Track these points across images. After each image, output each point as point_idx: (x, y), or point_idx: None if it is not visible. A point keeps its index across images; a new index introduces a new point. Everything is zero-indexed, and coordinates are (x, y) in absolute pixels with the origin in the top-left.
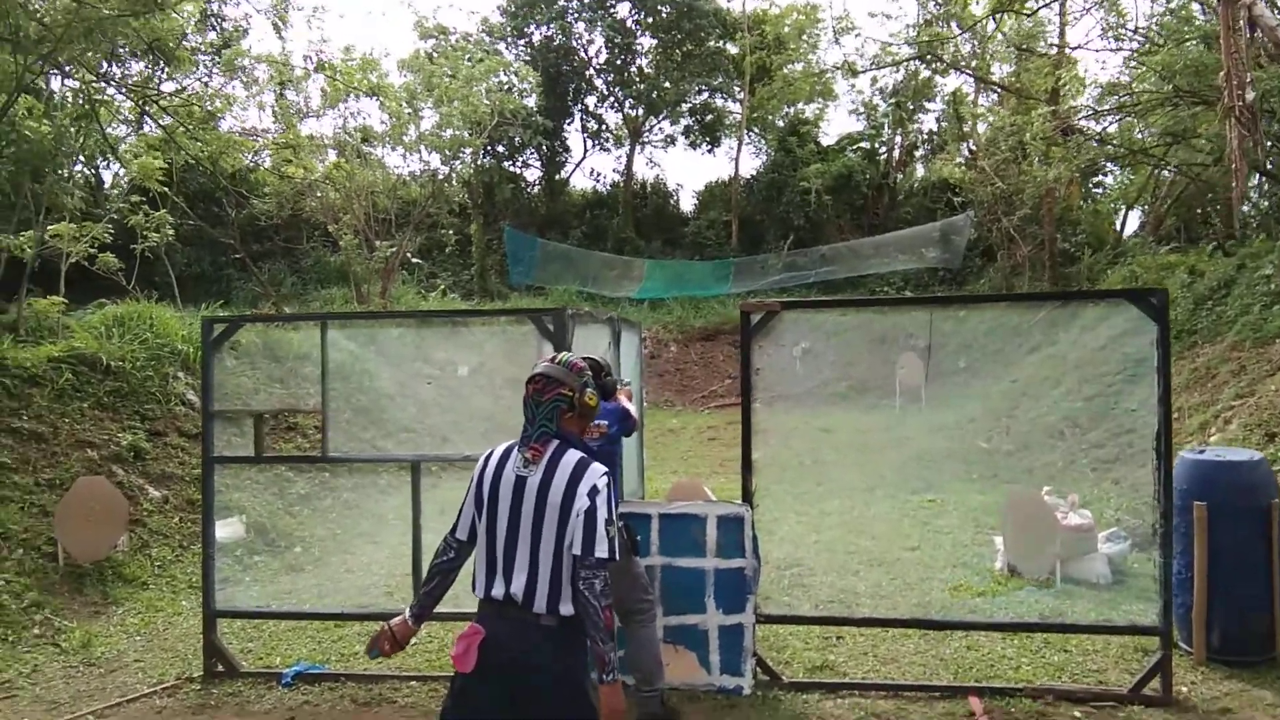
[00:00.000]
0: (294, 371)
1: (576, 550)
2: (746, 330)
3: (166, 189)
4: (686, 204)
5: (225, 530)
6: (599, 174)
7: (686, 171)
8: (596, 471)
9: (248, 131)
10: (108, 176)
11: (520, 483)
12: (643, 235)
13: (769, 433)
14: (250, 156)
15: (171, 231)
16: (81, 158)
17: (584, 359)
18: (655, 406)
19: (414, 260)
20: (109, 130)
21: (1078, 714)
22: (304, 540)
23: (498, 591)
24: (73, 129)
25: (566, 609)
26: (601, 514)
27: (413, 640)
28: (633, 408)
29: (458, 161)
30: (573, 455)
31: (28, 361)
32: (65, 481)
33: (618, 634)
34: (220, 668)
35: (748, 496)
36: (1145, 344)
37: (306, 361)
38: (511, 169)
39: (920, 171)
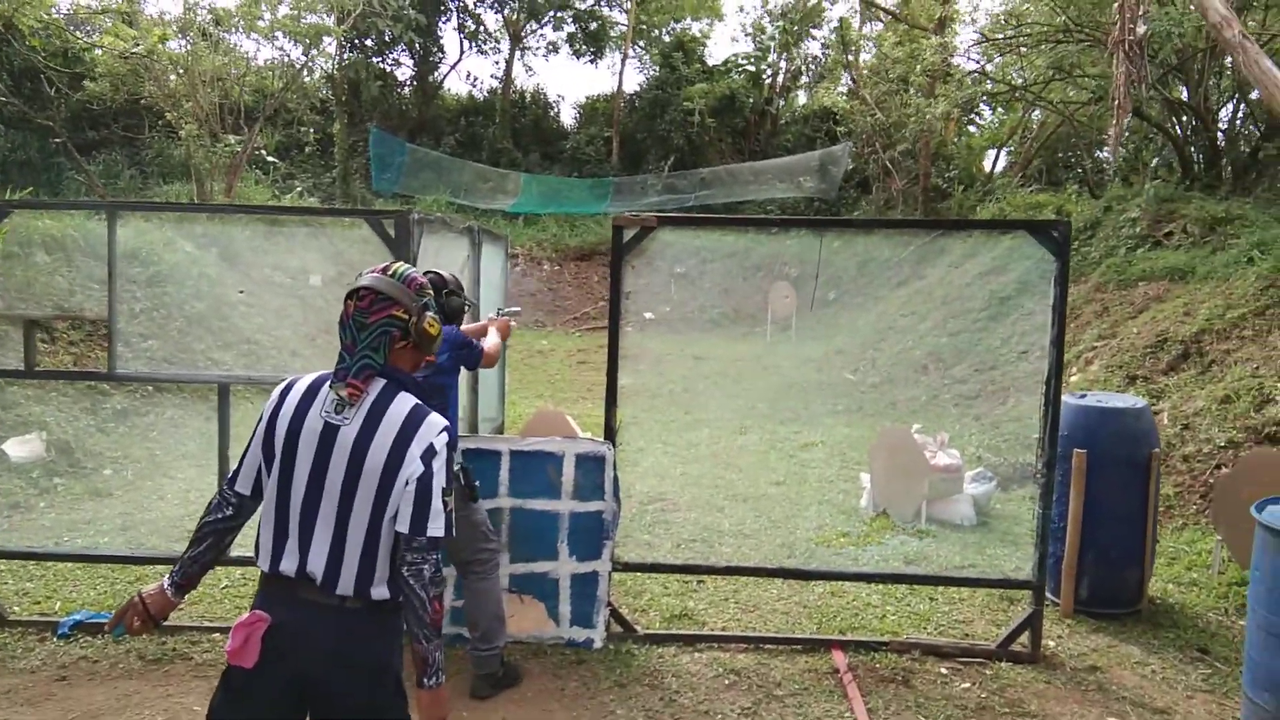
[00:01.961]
0: (123, 273)
1: (403, 527)
2: (619, 247)
3: None
4: (567, 117)
5: (22, 449)
6: (476, 79)
7: (568, 83)
8: (434, 427)
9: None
10: None
11: (330, 432)
12: (520, 147)
13: (639, 358)
14: (77, 29)
15: None
16: None
17: (426, 274)
18: (524, 328)
19: (269, 159)
20: None
21: (944, 670)
22: (116, 461)
23: (288, 566)
24: None
25: (380, 592)
26: (438, 482)
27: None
28: (490, 339)
29: (316, 52)
30: (404, 402)
31: None
32: None
33: (455, 586)
34: None
35: (611, 434)
36: (1026, 279)
37: (133, 261)
38: (380, 65)
39: (803, 99)
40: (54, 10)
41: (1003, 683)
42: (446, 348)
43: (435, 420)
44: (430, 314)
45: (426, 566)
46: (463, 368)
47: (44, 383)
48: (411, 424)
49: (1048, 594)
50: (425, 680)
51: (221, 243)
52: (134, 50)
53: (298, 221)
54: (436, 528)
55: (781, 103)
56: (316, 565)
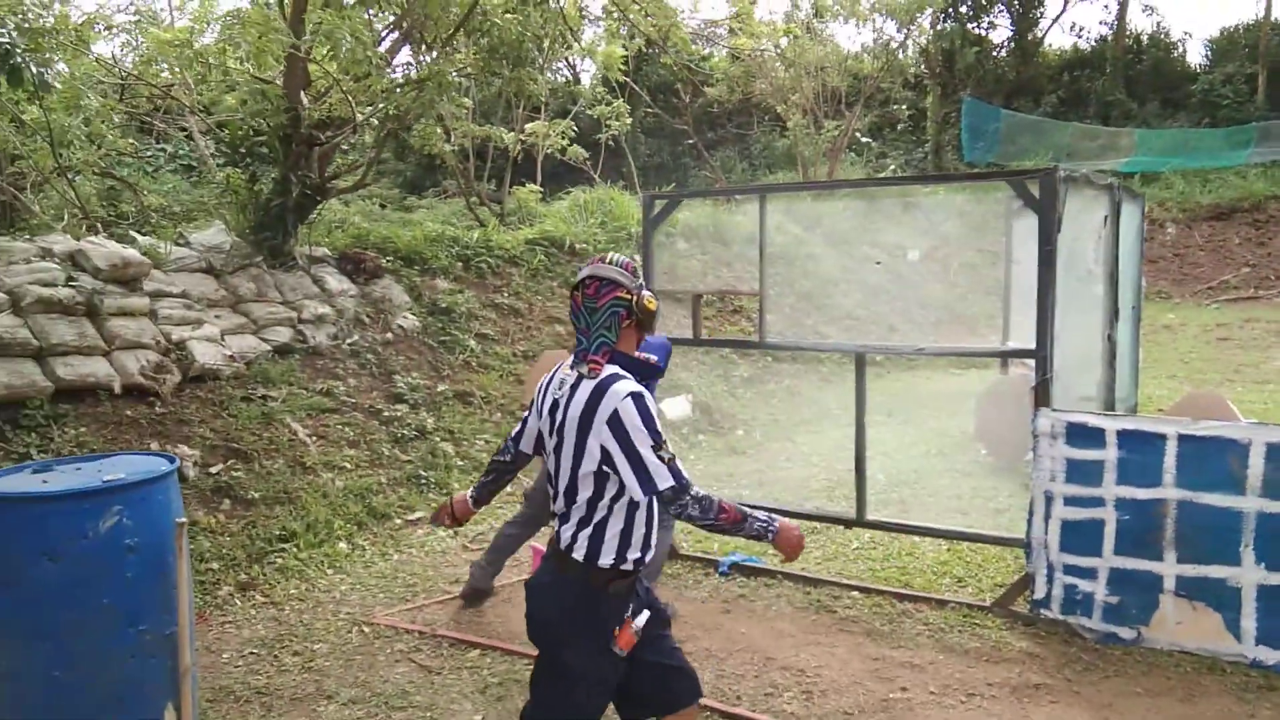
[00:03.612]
0: (741, 255)
1: (639, 495)
2: None
3: (627, 78)
4: (1194, 56)
5: (675, 408)
6: (1081, 29)
7: (1195, 17)
8: (618, 394)
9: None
10: (585, 78)
11: (555, 407)
12: (1135, 97)
13: None
14: (701, 41)
15: (629, 121)
16: (544, 45)
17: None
18: (1147, 299)
19: (863, 139)
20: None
21: None
22: (746, 423)
23: (554, 507)
24: (538, 15)
25: (605, 559)
26: (641, 442)
27: (851, 543)
28: None
29: (915, 27)
30: (599, 374)
31: (509, 243)
32: (536, 353)
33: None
34: None
35: None
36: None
37: (751, 244)
38: (976, 30)
39: None
40: (684, 25)
41: None
42: (664, 355)
43: (621, 385)
44: (648, 293)
45: (689, 509)
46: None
47: (688, 350)
48: (599, 392)
49: None
50: (767, 537)
51: (824, 224)
52: (760, 48)
53: (896, 195)
54: (664, 479)
55: None
56: (563, 527)
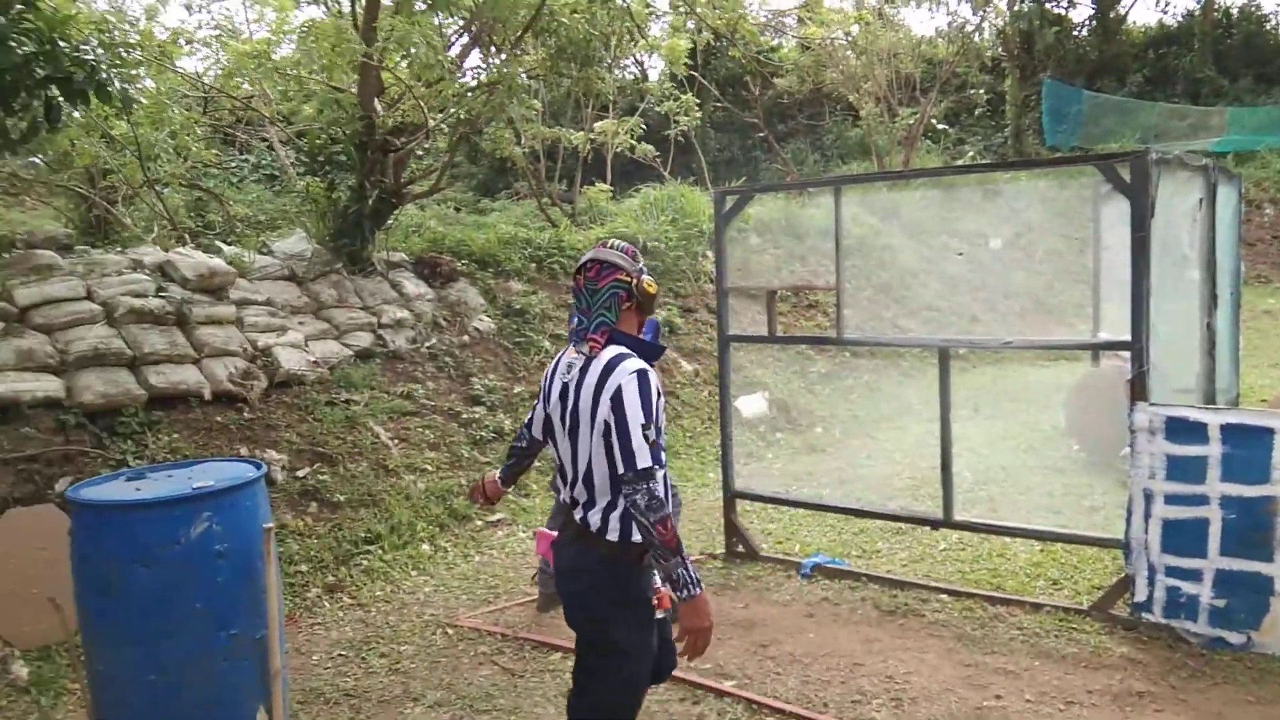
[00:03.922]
0: (815, 249)
1: (619, 469)
2: None
3: (694, 73)
4: None
5: (751, 406)
6: (1167, 5)
7: None
8: (626, 369)
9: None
10: (653, 74)
11: (565, 390)
12: (1225, 73)
13: None
14: (770, 32)
15: (698, 116)
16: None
17: None
18: (1246, 284)
19: (939, 126)
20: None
21: None
22: (824, 420)
23: (561, 495)
24: (604, 13)
25: (594, 519)
26: (633, 419)
27: (938, 544)
28: None
29: (990, 9)
30: (607, 353)
31: (580, 243)
32: None
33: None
34: (740, 548)
35: None
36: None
37: (827, 237)
38: (1055, 10)
39: None
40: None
41: None
42: (650, 330)
43: (627, 363)
44: (647, 276)
45: (639, 496)
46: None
47: (762, 346)
48: (608, 369)
49: None
50: (679, 595)
51: (901, 214)
52: (831, 37)
53: (975, 182)
54: (642, 459)
55: None
56: (569, 492)
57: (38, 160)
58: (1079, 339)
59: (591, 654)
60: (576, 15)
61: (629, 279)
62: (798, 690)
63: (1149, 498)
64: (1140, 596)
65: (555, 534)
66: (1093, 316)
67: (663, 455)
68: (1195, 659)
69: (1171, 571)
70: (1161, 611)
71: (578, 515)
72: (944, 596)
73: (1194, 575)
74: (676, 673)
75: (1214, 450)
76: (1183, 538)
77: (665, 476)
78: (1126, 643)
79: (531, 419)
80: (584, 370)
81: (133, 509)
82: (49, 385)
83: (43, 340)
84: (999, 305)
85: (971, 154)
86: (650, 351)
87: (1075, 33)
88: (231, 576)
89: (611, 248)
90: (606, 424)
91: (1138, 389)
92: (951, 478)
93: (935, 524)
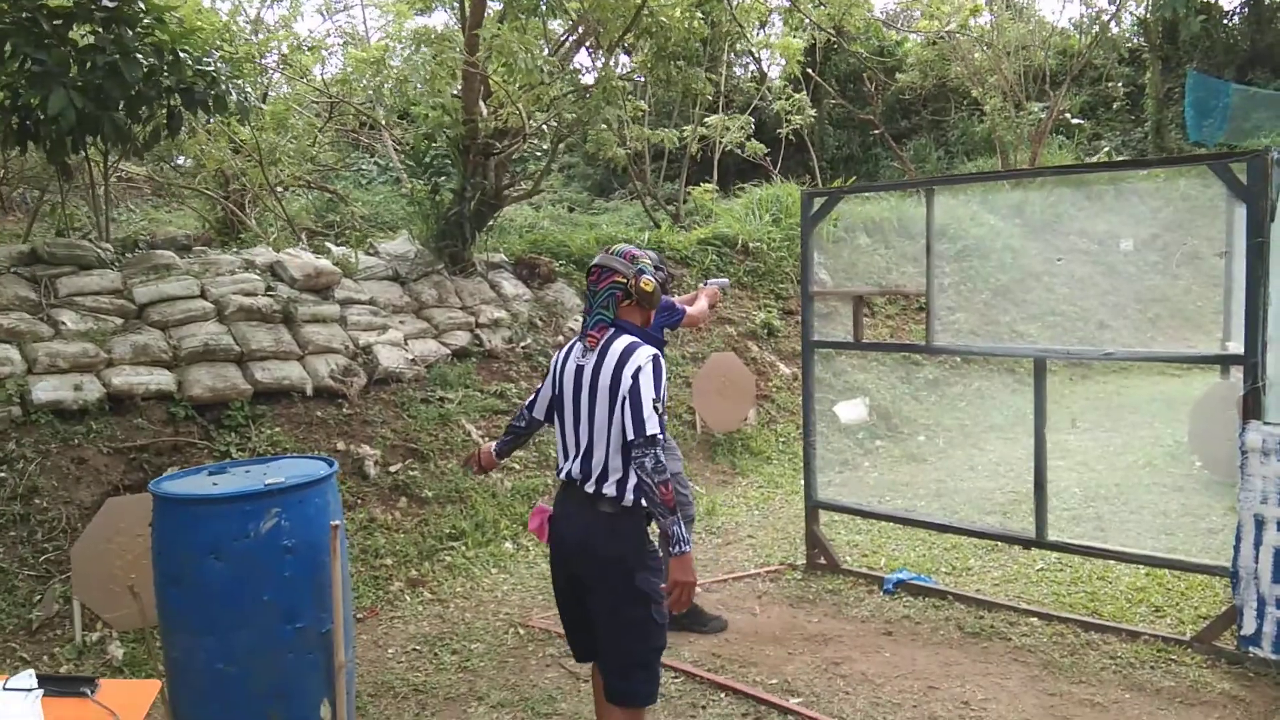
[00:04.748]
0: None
1: (630, 435)
2: None
3: (809, 70)
4: None
5: (851, 411)
6: None
7: None
8: (644, 354)
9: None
10: (774, 71)
11: (579, 372)
12: None
13: None
14: (896, 25)
15: (811, 114)
16: (712, 43)
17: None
18: None
19: (1074, 121)
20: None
21: None
22: (928, 428)
23: (566, 471)
24: (698, 13)
25: (610, 489)
26: (646, 393)
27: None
28: (698, 305)
29: None
30: (623, 340)
31: (680, 244)
32: (705, 354)
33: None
34: (822, 560)
35: None
36: None
37: (942, 237)
38: None
39: None
40: (870, 12)
41: None
42: (664, 315)
43: (645, 349)
44: (646, 276)
45: (648, 459)
46: (665, 329)
47: (866, 352)
48: (626, 353)
49: None
50: (671, 549)
51: (1025, 213)
52: (947, 30)
53: (1106, 181)
54: (651, 426)
55: None
56: (576, 468)
57: (181, 163)
58: (1185, 351)
59: (625, 607)
60: (678, 15)
61: (624, 280)
62: (865, 712)
63: (1260, 524)
64: (1248, 629)
65: (549, 509)
66: (1224, 325)
67: (663, 428)
68: None
69: None
70: (1271, 647)
71: (589, 488)
72: (1034, 620)
73: None
74: (742, 687)
75: None
76: None
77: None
78: (1230, 678)
79: (533, 401)
80: (601, 354)
81: (206, 503)
82: (162, 379)
83: (158, 336)
84: (1130, 310)
85: (1108, 149)
86: (656, 341)
87: (1225, 21)
88: (298, 571)
89: (613, 253)
90: (624, 398)
91: (1251, 406)
92: (1045, 496)
93: (1026, 543)
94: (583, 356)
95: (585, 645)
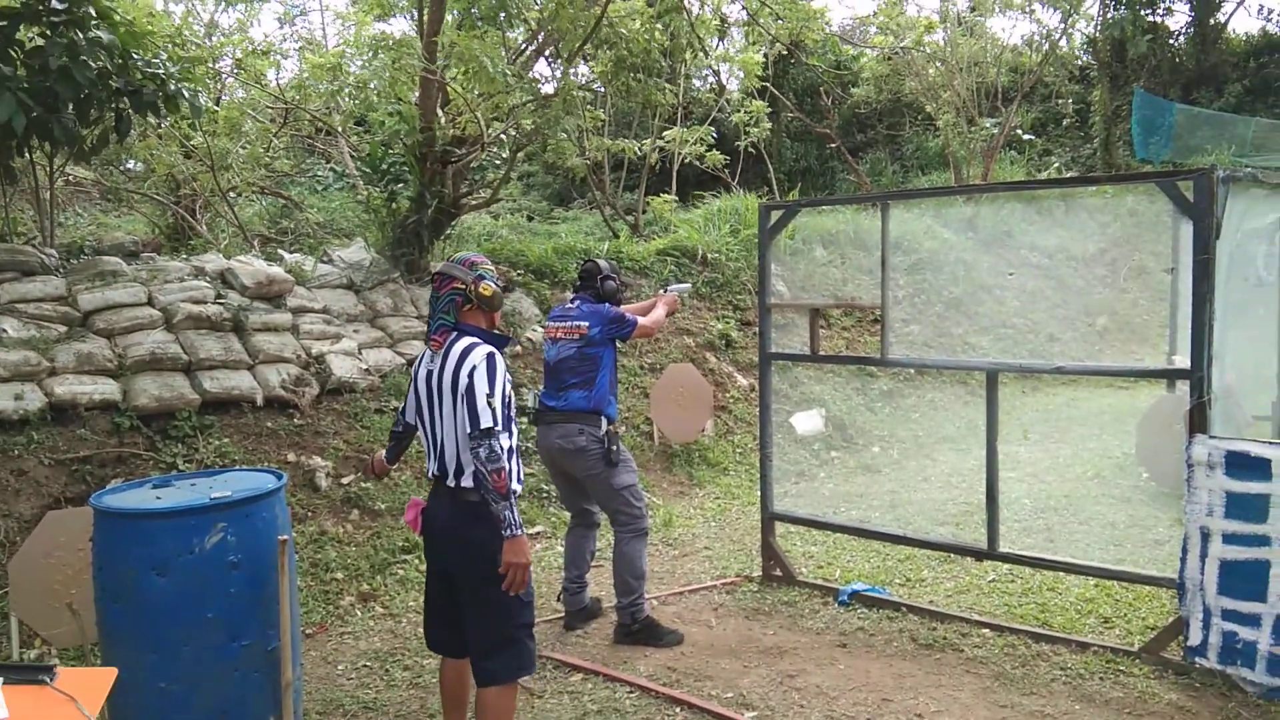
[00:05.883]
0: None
1: (467, 428)
2: None
3: (766, 84)
4: None
5: (807, 423)
6: (1270, 12)
7: None
8: (480, 353)
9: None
10: (734, 84)
11: (430, 376)
12: None
13: None
14: (851, 41)
15: (768, 126)
16: (671, 55)
17: (585, 262)
18: None
19: (1025, 137)
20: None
21: None
22: (883, 440)
23: (431, 469)
24: (657, 25)
25: (466, 480)
26: (480, 388)
27: (987, 574)
28: (654, 314)
29: (1077, 16)
30: (463, 342)
31: (639, 254)
32: (663, 365)
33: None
34: (777, 572)
35: None
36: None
37: (896, 250)
38: (1149, 17)
39: None
40: (828, 26)
41: None
42: (598, 322)
43: (480, 349)
44: (485, 281)
45: (482, 449)
46: (617, 340)
47: (822, 364)
48: (464, 354)
49: None
50: (504, 533)
51: (977, 227)
52: (901, 46)
53: (1057, 196)
54: (486, 420)
55: None
56: (435, 466)
57: (131, 167)
58: (1133, 365)
59: (488, 589)
60: (637, 27)
61: (463, 286)
62: None
63: (1206, 536)
64: (1194, 640)
65: (424, 503)
66: (1169, 339)
67: (513, 425)
68: (1250, 709)
69: (1229, 615)
70: (1216, 657)
71: (450, 483)
72: (986, 631)
73: (1253, 620)
74: (697, 701)
75: (1278, 488)
76: (1241, 580)
77: (515, 447)
78: (1177, 689)
79: (404, 408)
80: (444, 357)
81: (149, 517)
82: (106, 388)
83: (103, 344)
84: (1079, 323)
85: (1057, 165)
86: (496, 341)
87: (1171, 41)
88: (244, 587)
89: (454, 261)
90: (462, 395)
91: (1197, 420)
92: (998, 508)
93: (979, 555)
94: (431, 361)
95: (441, 638)
